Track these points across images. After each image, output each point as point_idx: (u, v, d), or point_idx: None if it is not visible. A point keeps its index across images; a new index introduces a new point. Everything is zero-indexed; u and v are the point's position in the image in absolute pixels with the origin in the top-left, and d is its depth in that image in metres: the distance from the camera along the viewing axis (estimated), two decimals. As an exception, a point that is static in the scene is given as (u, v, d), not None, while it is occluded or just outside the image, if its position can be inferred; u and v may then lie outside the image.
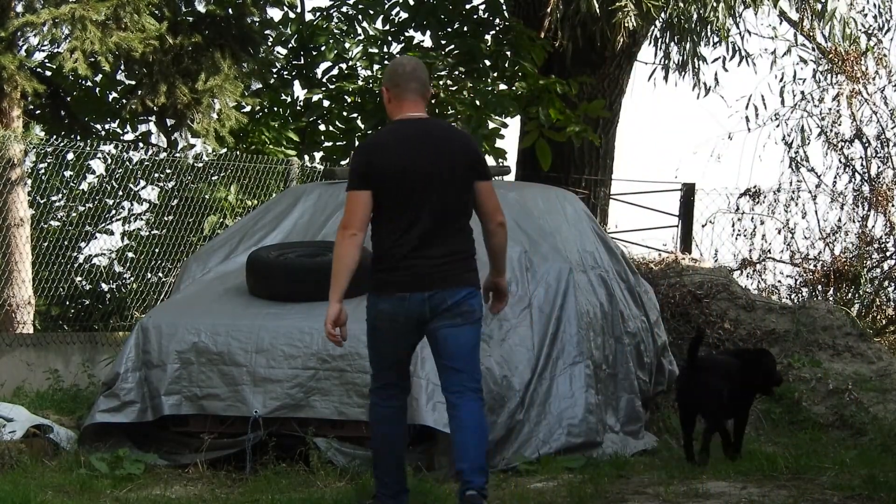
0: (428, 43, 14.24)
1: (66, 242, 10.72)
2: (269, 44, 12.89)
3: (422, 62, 6.12)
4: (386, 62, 14.02)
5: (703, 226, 13.70)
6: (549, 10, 13.82)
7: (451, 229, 5.85)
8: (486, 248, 5.99)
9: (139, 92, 10.79)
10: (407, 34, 14.25)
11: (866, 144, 14.00)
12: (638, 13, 13.01)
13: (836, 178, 14.02)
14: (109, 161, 11.70)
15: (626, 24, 13.08)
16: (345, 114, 13.95)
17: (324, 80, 14.22)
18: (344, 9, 14.40)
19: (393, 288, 5.79)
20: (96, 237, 11.78)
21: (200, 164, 11.93)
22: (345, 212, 5.84)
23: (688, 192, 13.68)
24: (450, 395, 5.87)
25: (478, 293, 5.92)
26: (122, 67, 11.05)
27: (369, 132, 13.73)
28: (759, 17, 14.80)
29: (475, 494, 5.64)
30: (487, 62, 13.86)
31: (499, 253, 6.00)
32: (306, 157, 13.96)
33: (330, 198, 8.40)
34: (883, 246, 13.55)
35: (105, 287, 11.81)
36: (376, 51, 14.20)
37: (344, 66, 14.18)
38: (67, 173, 11.49)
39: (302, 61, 14.30)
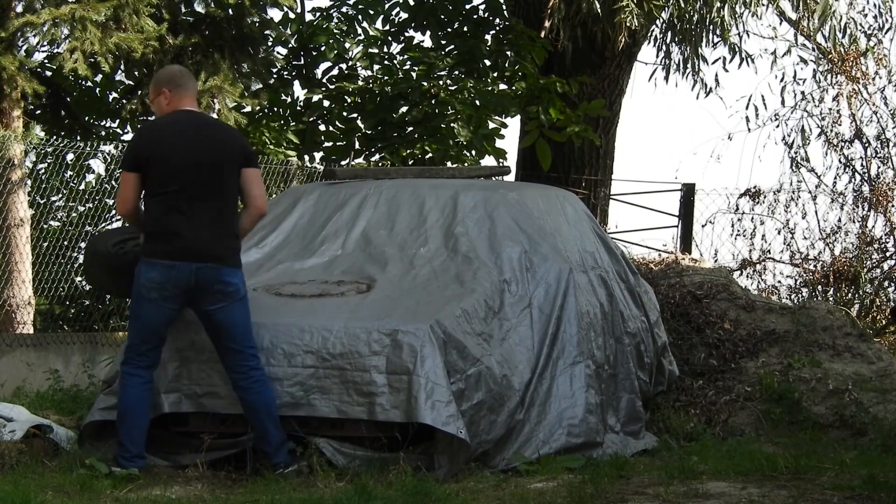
0: (428, 43, 14.26)
1: (66, 242, 10.73)
2: (269, 44, 12.89)
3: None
4: (386, 62, 14.04)
5: (703, 226, 13.72)
6: (549, 10, 13.83)
7: (218, 209, 6.54)
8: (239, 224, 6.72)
9: (139, 92, 10.80)
10: (407, 34, 14.27)
11: (866, 144, 14.01)
12: (639, 13, 13.02)
13: (836, 178, 14.04)
14: (109, 161, 11.71)
15: (628, 24, 13.09)
16: (345, 114, 13.95)
17: (324, 80, 14.23)
18: (344, 9, 14.41)
19: (163, 255, 6.47)
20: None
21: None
22: (119, 191, 6.69)
23: (688, 193, 13.68)
24: (234, 375, 6.61)
25: (240, 272, 6.61)
26: (122, 68, 11.06)
27: (369, 132, 13.74)
28: (758, 18, 14.82)
29: (281, 466, 6.53)
30: (487, 62, 13.86)
31: (243, 231, 6.80)
32: (306, 158, 13.96)
33: (330, 198, 8.40)
34: (883, 246, 13.55)
35: (105, 287, 11.80)
36: (376, 51, 14.21)
37: (344, 66, 14.19)
38: (67, 173, 11.50)
39: (302, 61, 14.30)
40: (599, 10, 13.09)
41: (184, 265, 6.48)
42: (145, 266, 6.54)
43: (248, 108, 12.99)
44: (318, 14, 14.68)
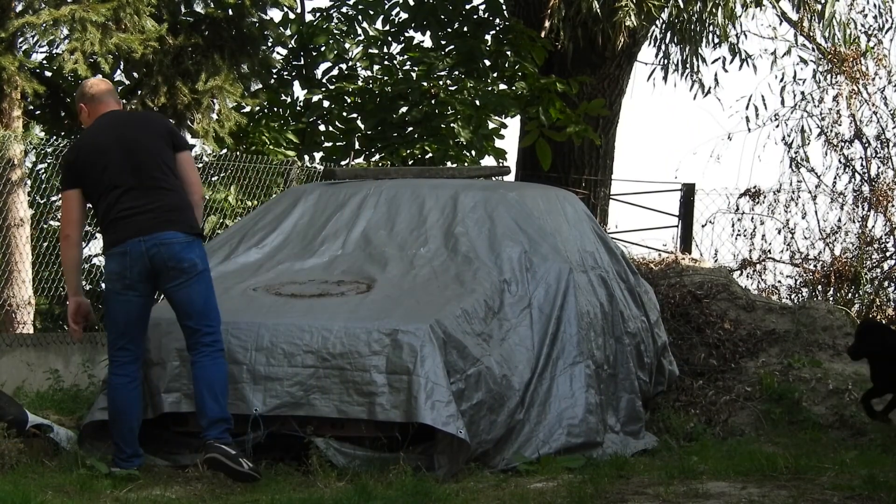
0: (428, 43, 14.27)
1: (66, 242, 10.71)
2: (269, 44, 12.89)
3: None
4: (386, 62, 14.05)
5: (703, 226, 13.73)
6: (549, 10, 13.84)
7: (159, 185, 6.59)
8: None
9: (139, 92, 10.80)
10: (407, 34, 14.28)
11: (866, 144, 14.01)
12: (637, 12, 13.02)
13: (836, 178, 14.06)
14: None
15: (627, 24, 13.10)
16: (345, 114, 13.96)
17: (324, 80, 14.24)
18: (344, 9, 14.42)
19: (115, 243, 6.52)
20: (96, 237, 11.78)
21: (200, 165, 11.93)
22: (63, 214, 6.76)
23: (688, 193, 13.69)
24: (190, 353, 6.62)
25: (197, 245, 6.59)
26: (122, 68, 11.05)
27: (369, 132, 13.74)
28: (758, 18, 14.85)
29: (212, 443, 6.44)
30: (487, 62, 13.87)
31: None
32: (306, 158, 13.97)
33: (330, 198, 8.40)
34: (883, 246, 13.56)
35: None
36: (376, 51, 14.22)
37: (344, 66, 14.21)
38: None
39: (302, 61, 14.31)
40: (599, 11, 13.10)
41: (134, 244, 6.51)
42: (106, 260, 6.63)
43: (248, 109, 13.00)
44: (317, 14, 14.70)
